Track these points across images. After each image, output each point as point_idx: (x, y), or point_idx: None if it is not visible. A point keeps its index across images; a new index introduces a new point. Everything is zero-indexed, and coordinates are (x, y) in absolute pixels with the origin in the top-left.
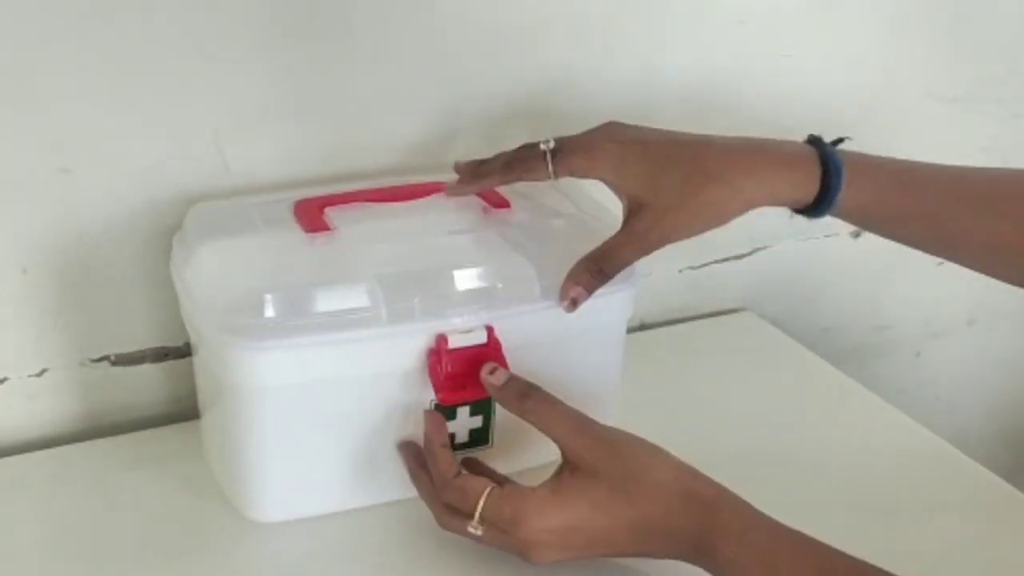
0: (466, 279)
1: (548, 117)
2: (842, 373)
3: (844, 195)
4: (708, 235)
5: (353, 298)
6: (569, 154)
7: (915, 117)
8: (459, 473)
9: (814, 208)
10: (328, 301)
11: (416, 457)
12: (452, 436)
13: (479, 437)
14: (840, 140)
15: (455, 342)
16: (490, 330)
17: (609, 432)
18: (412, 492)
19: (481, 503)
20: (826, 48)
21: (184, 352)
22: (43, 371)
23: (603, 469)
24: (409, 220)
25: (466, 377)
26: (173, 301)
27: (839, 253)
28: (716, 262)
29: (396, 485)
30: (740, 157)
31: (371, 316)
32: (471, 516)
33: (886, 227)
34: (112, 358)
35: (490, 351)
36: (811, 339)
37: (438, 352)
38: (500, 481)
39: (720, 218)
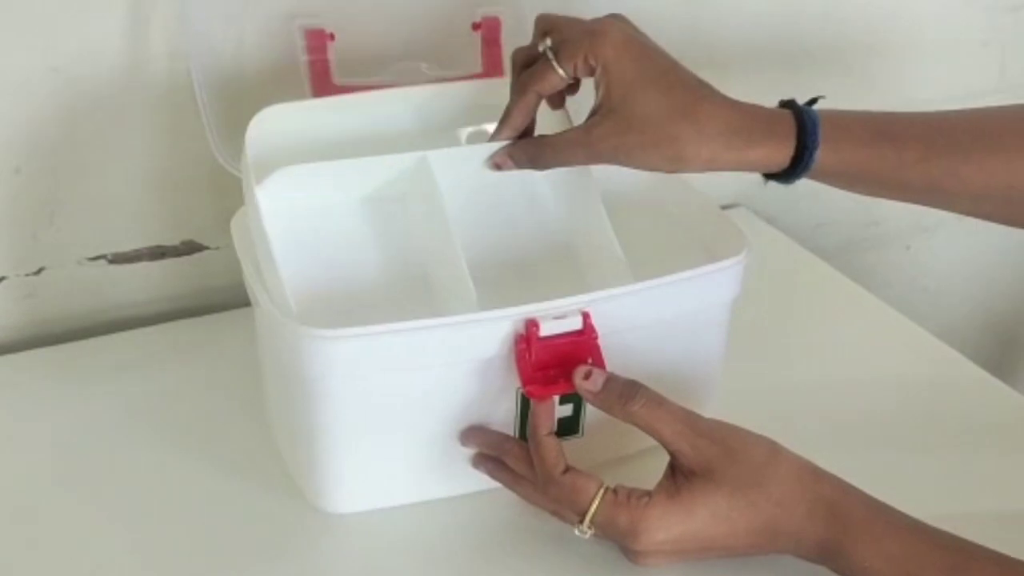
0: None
1: None
2: (832, 267)
3: (822, 153)
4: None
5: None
6: (573, 46)
7: (913, 13)
8: (567, 468)
9: (791, 170)
10: None
11: (491, 445)
12: None
13: (569, 427)
14: (814, 100)
15: (547, 329)
16: (586, 316)
17: (721, 429)
18: (488, 485)
19: (594, 507)
20: None
21: (181, 251)
22: (40, 270)
23: (720, 472)
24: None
25: (558, 368)
26: (170, 200)
27: None
28: None
29: (473, 478)
30: (724, 117)
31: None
32: (580, 516)
33: (870, 182)
34: (109, 257)
35: (585, 339)
36: (804, 235)
37: (527, 339)
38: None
39: (678, 162)
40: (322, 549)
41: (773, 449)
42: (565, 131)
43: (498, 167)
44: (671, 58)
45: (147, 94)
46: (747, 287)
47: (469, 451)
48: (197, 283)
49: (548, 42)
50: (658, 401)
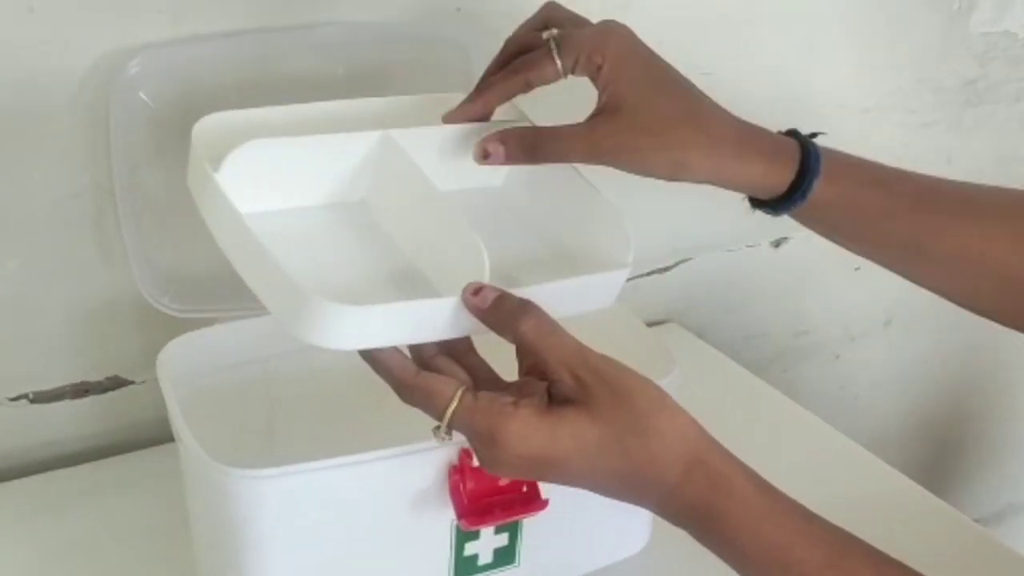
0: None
1: None
2: (761, 380)
3: (820, 185)
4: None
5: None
6: (578, 42)
7: (830, 128)
8: (419, 371)
9: (786, 198)
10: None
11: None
12: (475, 557)
13: (505, 557)
14: (815, 135)
15: None
16: None
17: (611, 369)
18: None
19: (451, 409)
20: (743, 65)
21: (105, 387)
22: None
23: (598, 409)
24: None
25: (493, 496)
26: (93, 335)
27: (760, 262)
28: (641, 276)
29: None
30: (733, 127)
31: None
32: (439, 420)
33: (856, 226)
34: (31, 396)
35: None
36: (735, 347)
37: (461, 470)
38: (473, 377)
39: (682, 168)
40: None
41: (661, 400)
42: (566, 125)
43: (485, 157)
44: (674, 67)
45: (71, 230)
46: (676, 398)
47: None
48: (122, 419)
49: (554, 31)
50: (550, 328)
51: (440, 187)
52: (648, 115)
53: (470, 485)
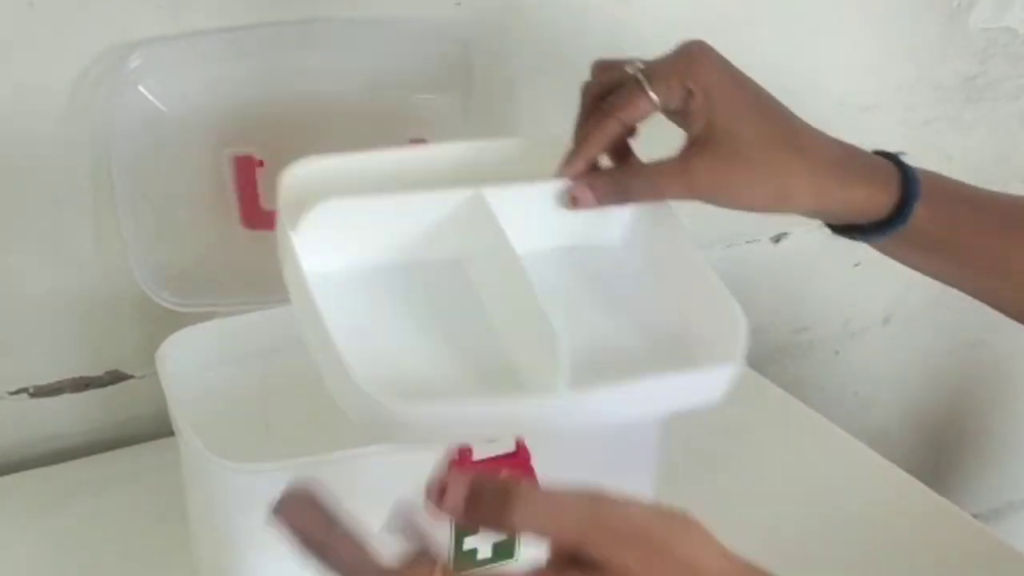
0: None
1: None
2: (761, 376)
3: (919, 208)
4: None
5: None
6: (666, 69)
7: (830, 125)
8: (383, 570)
9: (886, 222)
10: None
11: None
12: (473, 551)
13: (504, 551)
14: (900, 154)
15: (480, 453)
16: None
17: (639, 523)
18: None
19: None
20: (743, 65)
21: (105, 381)
22: None
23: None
24: None
25: None
26: (92, 330)
27: (760, 258)
28: None
29: None
30: (831, 149)
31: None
32: None
33: (946, 249)
34: (31, 390)
35: (519, 462)
36: None
37: (461, 465)
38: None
39: (784, 199)
40: None
41: (693, 540)
42: (657, 161)
43: (575, 203)
44: (763, 87)
45: (70, 224)
46: None
47: None
48: (121, 413)
49: (638, 63)
50: (547, 510)
51: (537, 246)
52: (745, 143)
53: None
